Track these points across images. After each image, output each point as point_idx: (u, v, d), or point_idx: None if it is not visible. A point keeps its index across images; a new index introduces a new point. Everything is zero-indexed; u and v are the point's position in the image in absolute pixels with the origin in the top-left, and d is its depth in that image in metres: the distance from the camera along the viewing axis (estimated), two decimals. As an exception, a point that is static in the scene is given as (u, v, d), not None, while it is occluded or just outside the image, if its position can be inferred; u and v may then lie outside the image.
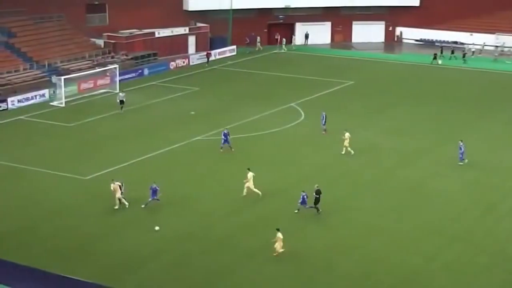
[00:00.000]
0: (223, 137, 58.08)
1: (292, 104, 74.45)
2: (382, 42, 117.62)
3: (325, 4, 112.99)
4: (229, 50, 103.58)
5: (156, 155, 58.08)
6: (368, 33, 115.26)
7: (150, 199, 46.34)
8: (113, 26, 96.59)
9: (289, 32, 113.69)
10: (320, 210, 46.02)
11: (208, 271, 38.93)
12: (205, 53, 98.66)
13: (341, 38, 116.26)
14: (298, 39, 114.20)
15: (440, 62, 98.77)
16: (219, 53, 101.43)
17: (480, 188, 51.71)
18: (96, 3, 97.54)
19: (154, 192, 46.30)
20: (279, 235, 39.93)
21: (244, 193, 48.57)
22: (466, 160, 54.48)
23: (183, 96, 78.76)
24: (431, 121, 69.12)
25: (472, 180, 53.19)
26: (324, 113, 64.62)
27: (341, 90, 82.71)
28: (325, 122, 64.12)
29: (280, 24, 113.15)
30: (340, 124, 65.10)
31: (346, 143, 57.56)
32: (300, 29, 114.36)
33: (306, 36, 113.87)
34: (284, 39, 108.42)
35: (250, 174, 48.70)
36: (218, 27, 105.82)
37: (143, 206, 46.54)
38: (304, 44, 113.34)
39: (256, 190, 48.46)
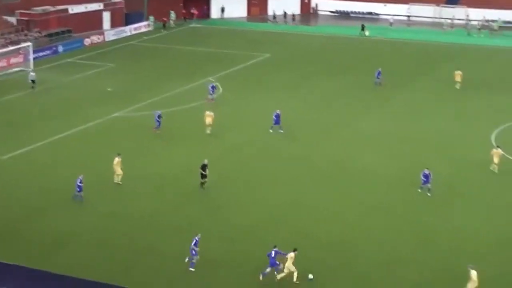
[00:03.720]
0: (157, 119, 57.17)
1: (210, 78, 74.30)
2: (298, 14, 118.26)
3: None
4: (145, 25, 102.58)
5: (73, 133, 57.19)
6: (284, 5, 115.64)
7: (76, 193, 45.01)
8: (26, 3, 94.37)
9: (205, 5, 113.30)
10: (204, 186, 45.90)
11: (131, 250, 38.71)
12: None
13: (257, 11, 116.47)
14: (214, 12, 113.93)
15: (367, 33, 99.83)
16: (135, 29, 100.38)
17: (400, 158, 52.66)
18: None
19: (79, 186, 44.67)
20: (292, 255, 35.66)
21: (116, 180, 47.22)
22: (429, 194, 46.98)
23: (99, 73, 77.78)
24: (351, 93, 69.90)
25: (391, 150, 54.11)
26: (213, 84, 66.58)
27: (258, 63, 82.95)
28: (213, 91, 65.79)
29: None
30: (259, 98, 65.61)
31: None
32: (216, 2, 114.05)
33: (222, 10, 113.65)
34: (172, 13, 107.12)
35: (116, 159, 47.00)
36: (133, 2, 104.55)
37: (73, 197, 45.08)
38: (220, 18, 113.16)
39: (118, 174, 47.12)
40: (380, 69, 72.70)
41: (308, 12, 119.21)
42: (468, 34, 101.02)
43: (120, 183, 46.67)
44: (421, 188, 45.60)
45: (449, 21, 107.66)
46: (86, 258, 37.63)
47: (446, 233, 40.71)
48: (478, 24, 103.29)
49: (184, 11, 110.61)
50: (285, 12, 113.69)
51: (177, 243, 39.15)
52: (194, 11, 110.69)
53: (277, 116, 57.10)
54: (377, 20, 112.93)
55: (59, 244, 39.09)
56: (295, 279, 35.14)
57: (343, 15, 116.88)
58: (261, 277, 35.37)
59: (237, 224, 41.57)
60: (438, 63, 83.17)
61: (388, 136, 57.06)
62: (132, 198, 45.08)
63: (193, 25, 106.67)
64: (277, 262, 35.25)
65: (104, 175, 47.53)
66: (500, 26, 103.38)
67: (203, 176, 45.94)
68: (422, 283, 35.65)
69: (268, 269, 35.33)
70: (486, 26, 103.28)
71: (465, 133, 58.20)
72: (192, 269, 36.23)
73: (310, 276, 35.54)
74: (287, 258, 35.08)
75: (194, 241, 36.43)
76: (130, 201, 44.66)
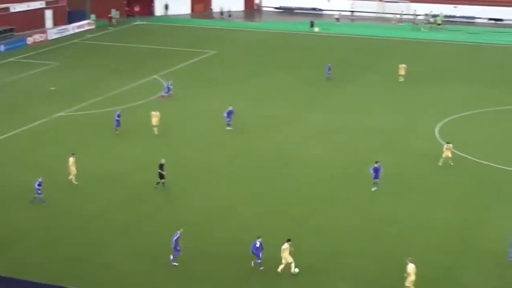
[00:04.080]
0: (116, 118, 56.45)
1: (155, 76, 73.96)
2: (242, 10, 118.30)
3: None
4: (88, 24, 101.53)
5: (19, 133, 56.42)
6: (228, 1, 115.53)
7: (36, 195, 44.36)
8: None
9: (149, 3, 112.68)
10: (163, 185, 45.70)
11: (80, 247, 38.43)
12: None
13: (201, 7, 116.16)
14: (158, 9, 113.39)
15: (316, 29, 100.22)
16: (78, 27, 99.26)
17: (346, 151, 53.09)
18: None
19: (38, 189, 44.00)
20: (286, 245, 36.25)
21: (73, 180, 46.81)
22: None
23: (43, 72, 76.72)
24: (299, 89, 70.16)
25: (337, 144, 54.51)
26: (170, 82, 66.20)
27: (204, 60, 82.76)
28: (169, 90, 65.38)
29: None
30: (206, 95, 65.56)
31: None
32: (160, 0, 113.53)
33: (166, 7, 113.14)
34: (113, 11, 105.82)
35: (71, 160, 46.46)
36: (75, 1, 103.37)
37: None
38: (164, 15, 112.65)
39: (73, 174, 46.67)
40: (330, 64, 73.15)
41: (252, 9, 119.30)
42: (415, 29, 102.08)
43: (76, 183, 46.25)
44: (374, 183, 45.71)
45: (398, 16, 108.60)
46: (36, 257, 37.29)
47: (393, 224, 41.15)
48: (425, 19, 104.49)
49: (127, 9, 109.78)
50: (221, 9, 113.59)
51: (127, 240, 39.11)
52: (137, 8, 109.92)
53: (229, 112, 57.01)
54: (321, 15, 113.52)
55: (6, 245, 38.56)
56: (279, 269, 35.75)
57: (288, 11, 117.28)
58: (252, 264, 36.37)
59: (186, 220, 41.41)
60: (384, 57, 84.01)
61: (335, 129, 57.53)
62: (82, 197, 44.76)
63: (137, 22, 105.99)
64: (259, 254, 36.05)
65: (54, 174, 46.93)
66: (442, 21, 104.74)
67: (161, 176, 45.57)
68: (369, 274, 35.98)
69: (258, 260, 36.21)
70: (428, 21, 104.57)
71: (409, 125, 58.94)
72: (176, 264, 36.46)
73: (296, 270, 35.77)
74: (283, 250, 35.60)
75: (176, 236, 36.51)
76: (81, 200, 44.34)
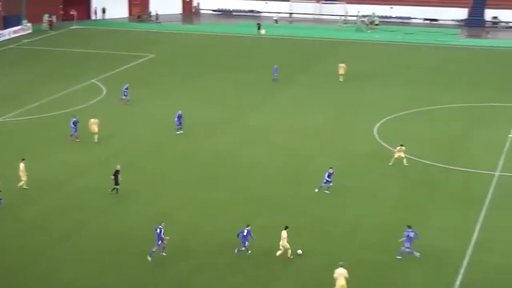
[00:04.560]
0: (72, 125, 55.30)
1: (93, 80, 73.45)
2: (180, 13, 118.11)
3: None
4: (24, 28, 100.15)
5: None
6: (165, 4, 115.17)
7: None
8: None
9: (86, 7, 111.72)
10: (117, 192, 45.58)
11: (22, 253, 38.07)
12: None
13: (138, 10, 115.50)
14: (95, 14, 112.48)
15: (263, 32, 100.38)
16: (14, 32, 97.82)
17: (287, 152, 53.47)
18: None
19: None
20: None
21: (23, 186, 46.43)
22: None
23: (-22, 78, 75.69)
24: (241, 91, 70.41)
25: (278, 145, 54.88)
26: (127, 85, 65.48)
27: (143, 63, 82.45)
28: (125, 94, 64.86)
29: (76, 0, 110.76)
30: (144, 97, 65.36)
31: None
32: (97, 3, 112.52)
33: (103, 11, 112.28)
34: (45, 16, 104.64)
35: (22, 165, 46.09)
36: (11, 5, 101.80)
37: None
38: (101, 19, 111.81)
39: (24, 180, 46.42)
40: (276, 66, 73.63)
41: (190, 12, 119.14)
42: (358, 31, 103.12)
43: (26, 188, 45.89)
44: (321, 187, 45.99)
45: (342, 17, 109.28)
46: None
47: (335, 224, 41.60)
48: (367, 20, 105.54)
49: (62, 13, 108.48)
50: (149, 12, 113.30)
51: (67, 246, 39.00)
52: (73, 12, 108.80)
53: (179, 116, 56.92)
54: (259, 17, 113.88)
55: None
56: (289, 255, 37.38)
57: (226, 14, 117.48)
58: (248, 252, 37.87)
59: (128, 224, 41.37)
60: (323, 58, 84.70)
61: (276, 131, 57.93)
62: (22, 202, 44.43)
63: (74, 27, 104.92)
64: (245, 242, 37.53)
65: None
66: (379, 21, 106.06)
67: (116, 182, 45.25)
68: (313, 273, 36.38)
69: (245, 246, 37.72)
70: (364, 22, 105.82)
71: (348, 126, 59.64)
72: (164, 254, 37.49)
73: (299, 251, 37.70)
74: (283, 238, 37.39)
75: (159, 230, 37.15)
76: (21, 205, 44.05)
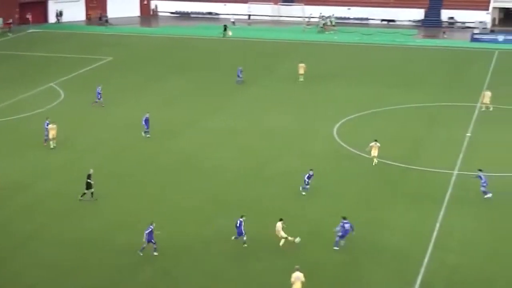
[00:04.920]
0: (46, 127, 54.51)
1: (51, 84, 72.80)
2: (138, 16, 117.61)
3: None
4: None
5: None
6: (123, 7, 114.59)
7: None
8: None
9: (42, 10, 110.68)
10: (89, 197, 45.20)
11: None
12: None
13: (95, 14, 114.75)
14: (52, 17, 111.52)
15: (230, 33, 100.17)
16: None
17: (248, 153, 53.52)
18: None
19: None
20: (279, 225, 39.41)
21: None
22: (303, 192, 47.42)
23: None
24: (197, 93, 70.33)
25: (240, 146, 54.91)
26: (99, 88, 65.42)
27: (100, 67, 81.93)
28: (99, 96, 64.68)
29: (32, 3, 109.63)
30: (104, 100, 64.98)
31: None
32: (53, 7, 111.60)
33: (60, 14, 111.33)
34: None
35: None
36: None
37: None
38: (58, 22, 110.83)
39: None
40: (241, 68, 73.66)
41: (148, 14, 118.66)
42: (320, 32, 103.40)
43: None
44: (304, 188, 46.10)
45: (307, 19, 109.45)
46: None
47: (297, 224, 41.61)
48: (320, 22, 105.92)
49: (17, 16, 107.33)
50: (100, 15, 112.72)
51: (29, 250, 38.68)
52: (29, 16, 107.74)
53: (147, 120, 56.56)
54: (218, 20, 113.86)
55: None
56: (281, 244, 38.77)
57: (184, 16, 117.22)
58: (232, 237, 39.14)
59: (88, 229, 41.12)
60: (283, 59, 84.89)
61: (238, 132, 58.03)
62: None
63: (30, 30, 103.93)
64: (243, 232, 38.90)
65: None
66: (336, 22, 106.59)
67: (89, 186, 44.78)
68: (274, 275, 36.38)
69: (239, 237, 39.02)
70: (319, 24, 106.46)
71: (309, 126, 59.85)
72: (156, 253, 37.94)
73: (297, 239, 39.04)
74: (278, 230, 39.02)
75: (150, 229, 37.79)
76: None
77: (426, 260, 37.80)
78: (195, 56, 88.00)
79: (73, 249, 38.94)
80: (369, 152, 50.82)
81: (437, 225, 41.78)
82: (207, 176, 49.20)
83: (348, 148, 53.77)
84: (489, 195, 44.96)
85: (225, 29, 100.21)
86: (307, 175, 46.08)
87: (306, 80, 73.12)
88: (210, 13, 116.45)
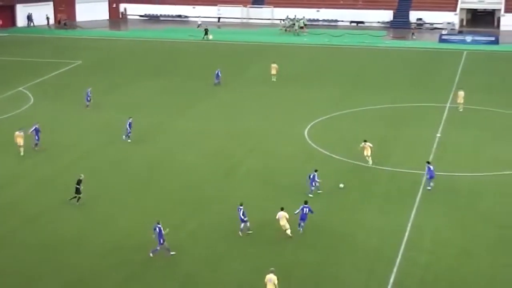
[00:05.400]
0: (35, 133, 54.05)
1: (21, 88, 72.27)
2: (107, 19, 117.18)
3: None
4: None
5: None
6: (92, 11, 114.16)
7: None
8: None
9: (10, 14, 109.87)
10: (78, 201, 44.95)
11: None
12: None
13: (64, 17, 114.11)
14: (20, 21, 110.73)
15: (211, 37, 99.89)
16: None
17: (218, 155, 53.44)
18: None
19: None
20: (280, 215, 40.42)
21: None
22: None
23: None
24: (167, 96, 70.23)
25: (210, 149, 54.81)
26: (89, 90, 65.35)
27: (69, 70, 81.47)
28: (89, 98, 64.52)
29: (0, 7, 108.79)
30: (74, 104, 64.64)
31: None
32: (22, 10, 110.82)
33: (29, 18, 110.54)
34: None
35: None
36: None
37: None
38: (31, 26, 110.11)
39: None
40: (219, 70, 73.62)
41: (117, 17, 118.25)
42: (295, 34, 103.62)
43: None
44: (311, 190, 46.06)
45: (283, 22, 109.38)
46: None
47: (267, 226, 41.61)
48: (287, 23, 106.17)
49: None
50: (61, 19, 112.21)
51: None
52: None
53: (130, 124, 56.16)
54: (187, 22, 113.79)
55: None
56: (289, 232, 39.97)
57: (153, 19, 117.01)
58: (240, 234, 40.16)
59: (57, 233, 40.88)
60: (255, 62, 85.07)
61: (208, 135, 57.91)
62: None
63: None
64: (245, 218, 40.14)
65: None
66: (305, 24, 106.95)
67: (78, 191, 44.50)
68: (245, 277, 36.37)
69: (242, 225, 40.24)
70: (285, 25, 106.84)
71: (280, 128, 59.88)
72: (151, 255, 37.92)
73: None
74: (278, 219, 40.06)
75: (158, 229, 37.73)
76: None
77: (398, 259, 37.97)
78: (165, 59, 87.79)
79: (39, 255, 38.57)
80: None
81: (409, 224, 42.00)
82: (174, 180, 49.02)
83: (319, 149, 53.93)
84: (429, 188, 46.75)
85: (206, 33, 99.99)
86: (312, 175, 46.11)
87: (278, 82, 73.27)
88: (179, 16, 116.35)
